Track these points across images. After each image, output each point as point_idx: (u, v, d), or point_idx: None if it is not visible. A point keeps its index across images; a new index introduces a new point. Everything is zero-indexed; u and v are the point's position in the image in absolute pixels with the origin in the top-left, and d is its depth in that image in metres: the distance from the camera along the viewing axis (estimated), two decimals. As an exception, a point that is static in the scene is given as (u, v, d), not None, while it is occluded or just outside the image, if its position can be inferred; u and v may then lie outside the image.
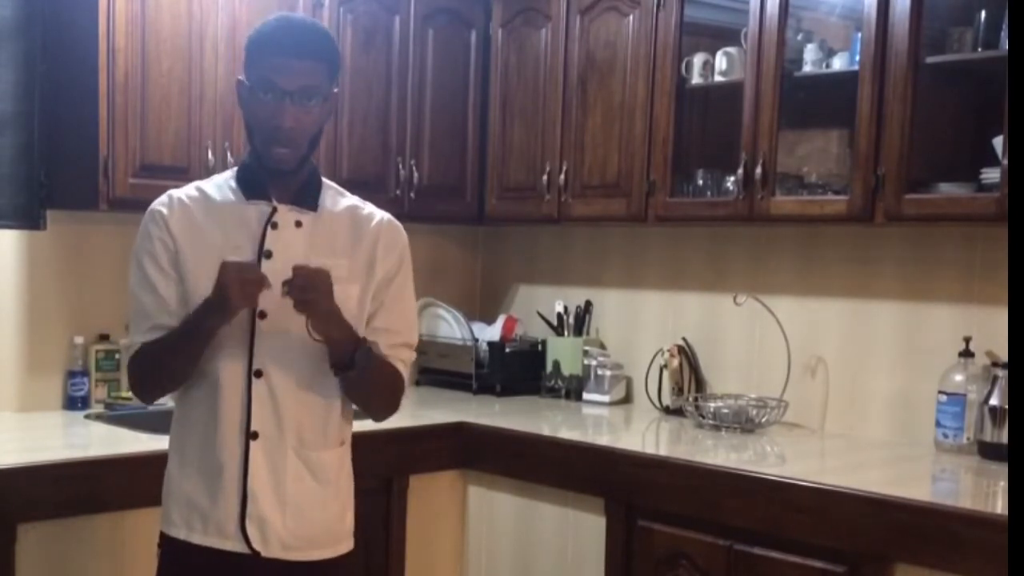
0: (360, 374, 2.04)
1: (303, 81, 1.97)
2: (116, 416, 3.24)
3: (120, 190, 3.04)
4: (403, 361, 2.17)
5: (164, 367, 2.06)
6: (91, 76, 3.01)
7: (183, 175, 3.00)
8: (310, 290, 1.93)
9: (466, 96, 3.88)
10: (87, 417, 3.25)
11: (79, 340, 3.33)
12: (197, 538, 2.06)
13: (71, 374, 3.33)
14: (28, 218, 3.17)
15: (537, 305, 4.09)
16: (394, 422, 3.28)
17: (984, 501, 2.65)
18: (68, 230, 3.30)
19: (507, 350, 3.96)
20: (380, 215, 2.16)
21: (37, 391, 3.30)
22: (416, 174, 3.73)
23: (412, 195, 3.71)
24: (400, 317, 2.15)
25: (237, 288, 1.91)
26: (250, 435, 2.03)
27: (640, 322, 3.84)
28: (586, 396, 3.81)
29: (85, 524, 2.66)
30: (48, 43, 3.16)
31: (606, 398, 3.77)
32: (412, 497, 3.29)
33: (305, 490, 2.08)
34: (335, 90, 2.09)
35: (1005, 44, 2.68)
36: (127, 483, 2.66)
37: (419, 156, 3.75)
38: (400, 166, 3.69)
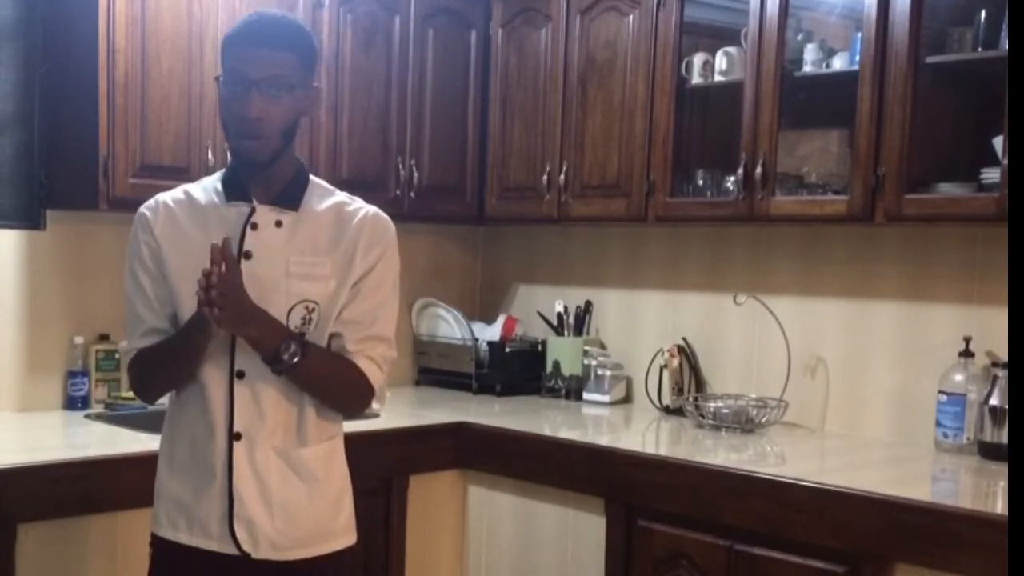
0: (291, 367, 2.00)
1: (269, 70, 1.97)
2: (116, 416, 3.24)
3: (120, 190, 3.04)
4: (371, 358, 2.10)
5: (161, 374, 2.10)
6: (91, 76, 3.01)
7: (183, 175, 3.00)
8: (216, 291, 1.90)
9: (466, 96, 3.87)
10: (87, 417, 3.24)
11: (79, 340, 3.33)
12: (183, 538, 2.07)
13: (71, 374, 3.33)
14: (28, 218, 3.17)
15: (537, 305, 4.09)
16: (394, 422, 3.28)
17: (984, 501, 2.65)
18: (68, 230, 3.30)
19: (507, 350, 3.96)
20: (365, 210, 2.13)
21: (37, 391, 3.30)
22: (416, 174, 3.73)
23: (412, 195, 3.71)
24: (372, 309, 2.10)
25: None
26: (232, 436, 2.04)
27: (640, 322, 3.84)
28: (586, 396, 3.81)
29: (85, 524, 2.67)
30: (48, 43, 3.16)
31: (606, 398, 3.77)
32: (412, 497, 3.29)
33: (290, 489, 2.07)
34: (315, 84, 2.09)
35: (1005, 44, 2.68)
36: (127, 483, 2.65)
37: (419, 156, 3.75)
38: (400, 166, 3.69)
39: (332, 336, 2.09)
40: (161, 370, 2.09)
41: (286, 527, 2.06)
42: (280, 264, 2.04)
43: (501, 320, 4.06)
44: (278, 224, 2.06)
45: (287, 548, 2.07)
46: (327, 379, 2.08)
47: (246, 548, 2.04)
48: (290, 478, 2.07)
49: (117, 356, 3.39)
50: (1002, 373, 2.85)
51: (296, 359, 1.99)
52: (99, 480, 2.66)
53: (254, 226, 2.05)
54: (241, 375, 2.04)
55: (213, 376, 2.04)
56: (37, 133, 3.16)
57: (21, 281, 3.26)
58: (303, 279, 2.04)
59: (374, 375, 2.11)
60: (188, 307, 2.02)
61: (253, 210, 2.06)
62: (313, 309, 2.05)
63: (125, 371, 2.21)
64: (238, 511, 2.04)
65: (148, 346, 2.09)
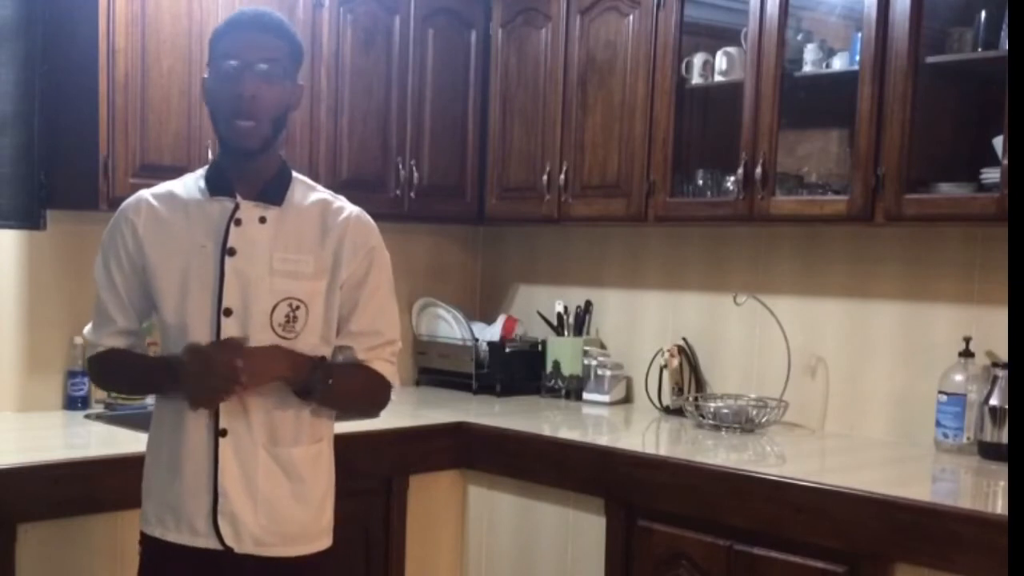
0: (323, 395, 2.06)
1: (264, 53, 2.01)
2: (116, 416, 3.24)
3: (120, 190, 3.03)
4: (385, 359, 2.17)
5: (125, 387, 2.14)
6: (91, 76, 3.01)
7: (183, 175, 2.99)
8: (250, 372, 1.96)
9: (466, 96, 3.88)
10: (87, 417, 3.25)
11: (79, 340, 3.32)
12: (171, 536, 2.08)
13: (71, 374, 3.33)
14: (28, 218, 3.18)
15: (537, 305, 4.09)
16: (394, 422, 3.27)
17: (984, 501, 2.65)
18: (68, 230, 3.30)
19: (507, 350, 3.96)
20: (349, 210, 2.14)
21: (37, 391, 3.30)
22: (416, 174, 3.73)
23: (412, 195, 3.70)
24: (376, 317, 2.15)
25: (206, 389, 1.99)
26: (219, 432, 2.04)
27: (640, 322, 3.84)
28: (586, 396, 3.81)
29: (85, 524, 2.67)
30: (48, 43, 3.16)
31: (606, 398, 3.77)
32: (412, 497, 3.29)
33: (277, 487, 2.08)
34: (300, 83, 2.11)
35: (1005, 44, 2.68)
36: (127, 483, 2.63)
37: (419, 156, 3.74)
38: (400, 166, 3.69)
39: (341, 348, 2.13)
40: (126, 385, 2.12)
41: (269, 523, 2.07)
42: (264, 261, 2.05)
43: (501, 320, 4.06)
44: (262, 220, 2.07)
45: (270, 545, 2.08)
46: (355, 393, 2.15)
47: (229, 542, 2.05)
48: (277, 476, 2.08)
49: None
50: (1002, 373, 2.86)
51: (328, 384, 2.04)
52: (99, 480, 2.66)
53: (238, 222, 2.06)
54: None
55: None
56: (37, 133, 3.16)
57: (21, 281, 3.26)
58: (286, 276, 2.05)
59: (390, 373, 2.18)
60: (167, 301, 2.06)
61: (237, 206, 2.06)
62: (297, 307, 2.06)
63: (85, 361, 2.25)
64: (222, 506, 2.04)
65: (117, 350, 2.14)
